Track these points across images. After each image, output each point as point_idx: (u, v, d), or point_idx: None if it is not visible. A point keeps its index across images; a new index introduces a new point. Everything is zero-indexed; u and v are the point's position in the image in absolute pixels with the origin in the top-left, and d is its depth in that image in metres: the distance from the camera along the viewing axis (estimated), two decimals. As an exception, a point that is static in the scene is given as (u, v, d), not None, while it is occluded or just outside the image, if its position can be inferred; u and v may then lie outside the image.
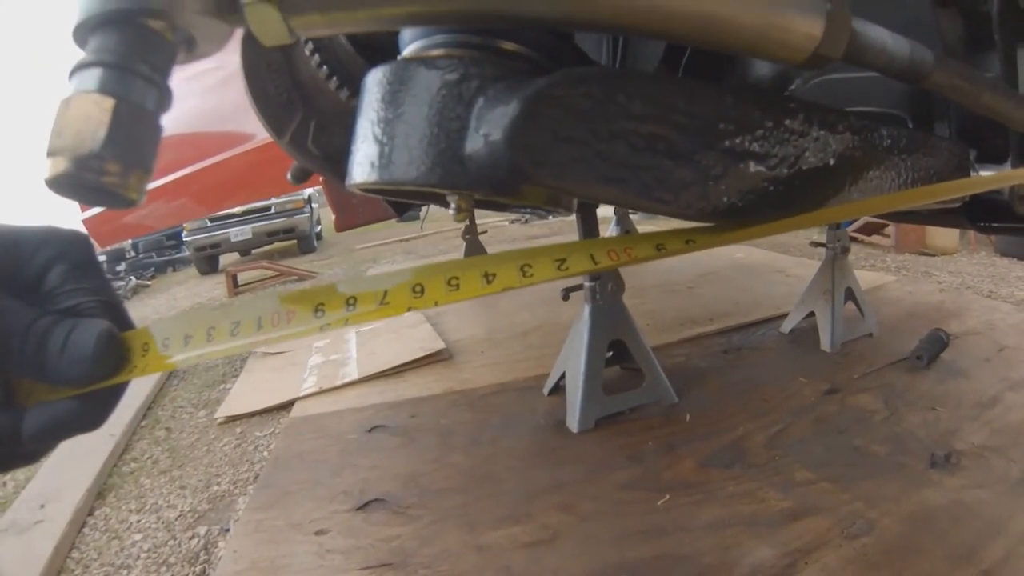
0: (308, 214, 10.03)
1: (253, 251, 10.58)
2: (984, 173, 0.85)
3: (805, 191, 0.54)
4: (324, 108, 0.62)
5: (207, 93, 2.20)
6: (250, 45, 0.62)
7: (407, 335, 3.36)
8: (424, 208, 4.48)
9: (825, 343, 2.68)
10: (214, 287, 7.62)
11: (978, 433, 1.88)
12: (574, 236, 6.75)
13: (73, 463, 2.46)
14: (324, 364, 3.08)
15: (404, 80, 0.42)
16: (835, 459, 1.81)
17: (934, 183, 0.73)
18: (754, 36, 0.41)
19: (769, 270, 4.39)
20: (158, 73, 0.36)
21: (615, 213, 5.32)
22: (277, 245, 10.43)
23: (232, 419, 2.71)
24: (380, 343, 3.29)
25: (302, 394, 2.71)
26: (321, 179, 1.58)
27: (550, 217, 9.47)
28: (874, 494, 1.62)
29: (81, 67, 0.35)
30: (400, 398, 2.55)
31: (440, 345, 3.05)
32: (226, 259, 10.18)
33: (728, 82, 1.02)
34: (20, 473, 2.65)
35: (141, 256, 12.46)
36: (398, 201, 1.60)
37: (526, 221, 9.62)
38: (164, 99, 0.38)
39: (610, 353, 2.23)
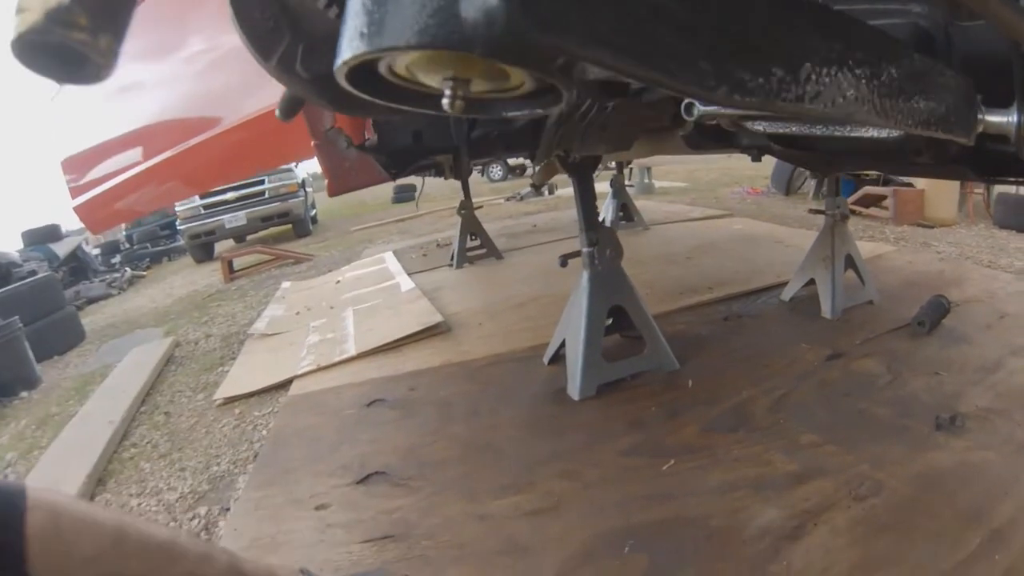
0: (302, 198, 9.96)
1: (248, 237, 10.53)
2: (991, 118, 0.81)
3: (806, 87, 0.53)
4: (311, 31, 0.60)
5: (198, 77, 2.16)
6: None
7: (405, 310, 3.34)
8: (418, 188, 4.45)
9: (826, 310, 2.67)
10: (210, 274, 7.58)
11: (982, 397, 1.86)
12: (568, 212, 6.72)
13: (72, 452, 2.45)
14: (321, 342, 3.06)
15: None
16: (840, 422, 1.80)
17: (944, 112, 0.71)
18: None
19: (768, 240, 4.37)
20: None
21: (611, 186, 5.28)
22: (272, 230, 10.36)
23: (231, 400, 2.68)
24: (378, 320, 3.27)
25: (300, 372, 2.69)
26: (314, 144, 1.54)
27: (546, 193, 9.46)
28: (880, 456, 1.60)
29: None
30: (398, 372, 2.53)
31: (438, 319, 3.04)
32: (221, 246, 10.13)
33: None
34: (20, 464, 2.67)
35: (136, 247, 12.46)
36: (390, 160, 1.57)
37: (521, 199, 9.57)
38: None
39: (610, 321, 2.20)
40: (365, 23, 0.39)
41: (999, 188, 4.89)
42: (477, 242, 4.64)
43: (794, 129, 1.21)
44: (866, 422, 1.79)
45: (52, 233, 11.01)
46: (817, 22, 0.55)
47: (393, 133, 1.62)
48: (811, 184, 6.85)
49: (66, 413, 3.19)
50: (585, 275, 2.13)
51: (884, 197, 5.26)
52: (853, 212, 5.23)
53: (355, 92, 0.48)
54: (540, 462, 1.75)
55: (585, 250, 2.12)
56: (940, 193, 5.04)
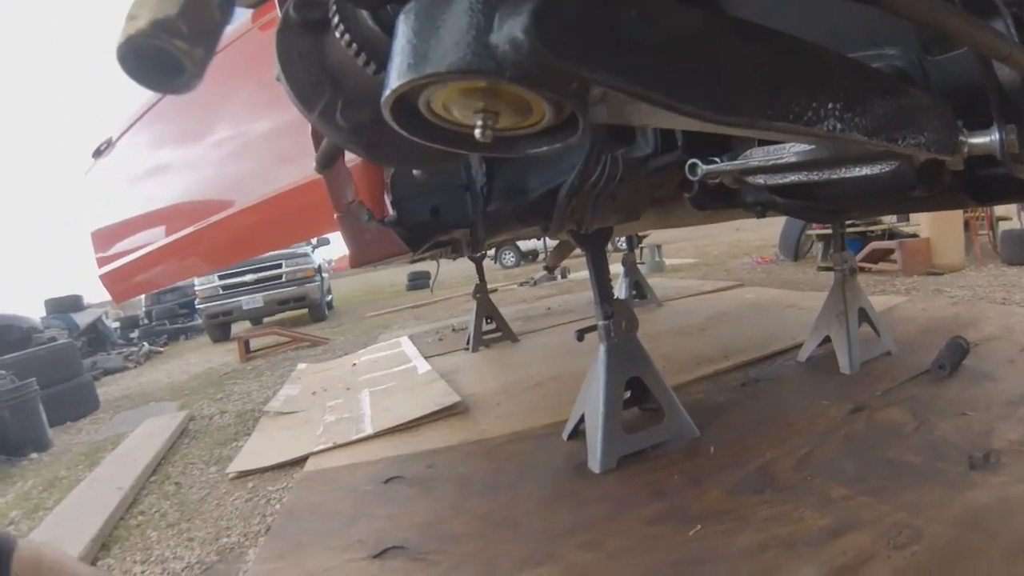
0: (319, 283, 10.09)
1: (264, 319, 10.62)
2: (974, 140, 0.85)
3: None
4: (350, 88, 0.67)
5: (222, 161, 2.29)
6: (285, 38, 0.65)
7: (421, 391, 3.33)
8: (433, 274, 4.57)
9: (844, 365, 2.63)
10: (226, 353, 7.64)
11: (1014, 430, 1.82)
12: (582, 294, 6.78)
13: (78, 515, 2.41)
14: (338, 421, 3.05)
15: (437, 2, 0.47)
16: (870, 473, 1.74)
17: (927, 137, 0.75)
18: None
19: (780, 305, 4.37)
20: None
21: (623, 265, 5.34)
22: (288, 313, 10.46)
23: (244, 474, 2.64)
24: (395, 400, 3.26)
25: (316, 449, 2.66)
26: (337, 217, 1.59)
27: (558, 277, 9.59)
28: (916, 502, 1.54)
29: None
30: (416, 451, 2.49)
31: (455, 399, 3.02)
32: (238, 327, 10.19)
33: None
34: (24, 523, 2.63)
35: (154, 323, 12.56)
36: (413, 234, 1.63)
37: (534, 283, 9.68)
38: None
39: (628, 394, 2.19)
40: (411, 55, 0.46)
41: (1004, 226, 4.91)
42: (492, 325, 4.66)
43: (793, 179, 1.25)
44: (897, 470, 1.73)
45: (74, 303, 11.19)
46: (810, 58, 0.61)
47: (412, 207, 1.68)
48: (819, 247, 6.90)
49: (74, 477, 3.17)
50: (602, 348, 2.13)
51: (891, 251, 5.28)
52: (862, 269, 5.25)
53: (398, 128, 0.54)
54: (561, 534, 1.69)
55: (601, 323, 2.14)
56: (946, 239, 5.07)
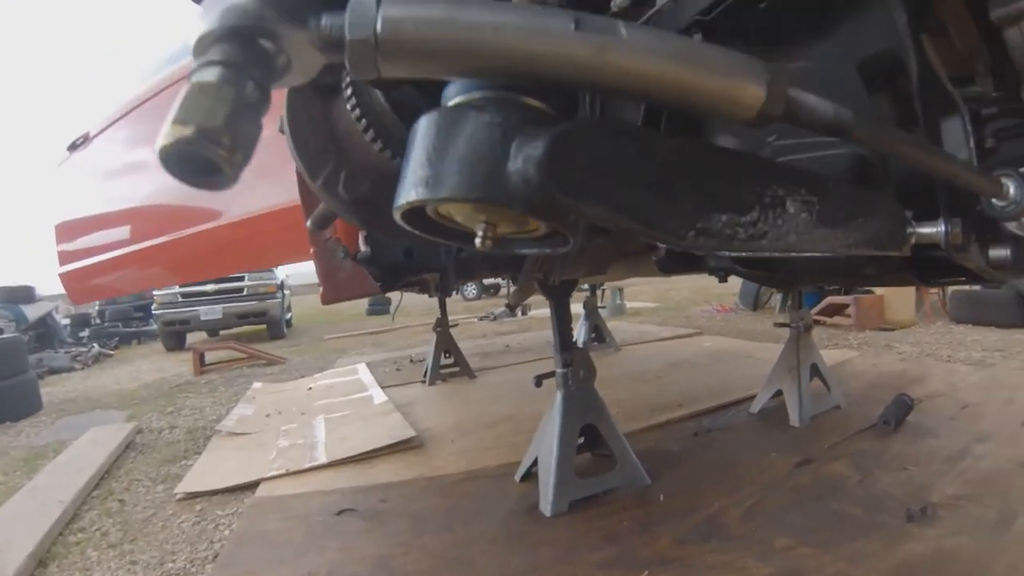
0: (280, 299, 9.93)
1: (221, 332, 10.36)
2: (922, 230, 0.92)
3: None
4: (355, 160, 0.70)
5: None
6: (296, 98, 0.68)
7: (377, 422, 3.31)
8: (395, 302, 4.57)
9: (794, 418, 2.72)
10: (179, 364, 7.41)
11: (951, 485, 1.91)
12: (541, 332, 6.81)
13: (15, 528, 2.29)
14: (292, 447, 3.00)
15: (456, 120, 0.53)
16: (813, 525, 1.79)
17: (878, 233, 0.85)
18: (714, 98, 0.55)
19: (737, 355, 4.46)
20: (264, 81, 0.46)
21: (584, 308, 5.40)
22: (246, 328, 10.21)
23: (193, 496, 2.56)
24: (350, 429, 3.23)
25: (269, 475, 2.61)
26: (312, 252, 1.61)
27: (519, 314, 9.63)
28: (856, 553, 1.60)
29: (207, 64, 0.44)
30: (370, 483, 2.47)
31: (410, 433, 3.01)
32: (193, 337, 9.93)
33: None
34: None
35: (107, 324, 12.11)
36: (382, 273, 1.65)
37: (495, 319, 9.70)
38: (265, 103, 0.46)
39: (581, 439, 2.21)
40: (428, 174, 0.51)
41: (953, 286, 5.15)
42: (451, 360, 4.66)
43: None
44: (839, 522, 1.79)
45: (26, 294, 10.62)
46: (767, 175, 0.70)
47: (386, 248, 1.69)
48: (777, 299, 7.07)
49: (12, 484, 3.01)
50: (559, 395, 2.17)
51: (846, 305, 5.47)
52: (818, 322, 5.42)
53: (405, 226, 0.59)
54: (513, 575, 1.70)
55: (559, 371, 2.18)
56: (898, 297, 5.28)
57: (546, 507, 2.05)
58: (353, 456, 2.76)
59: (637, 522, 1.94)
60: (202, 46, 0.45)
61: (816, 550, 1.64)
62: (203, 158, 0.41)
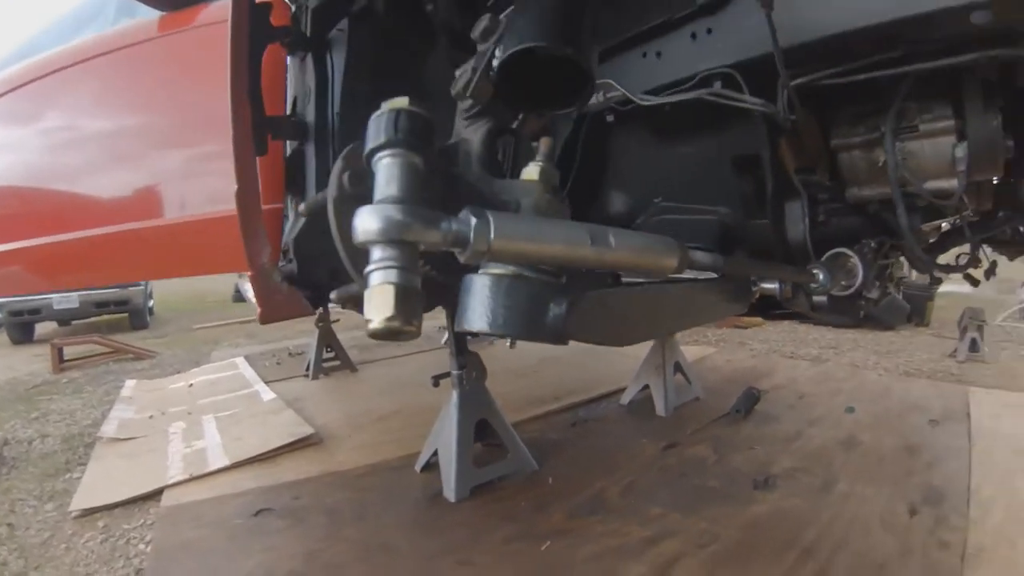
0: (143, 286, 8.75)
1: (74, 322, 8.90)
2: (764, 285, 1.36)
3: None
4: None
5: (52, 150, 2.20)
6: (340, 205, 0.85)
7: (271, 421, 3.31)
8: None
9: (660, 409, 3.09)
10: (32, 360, 6.51)
11: (788, 460, 2.38)
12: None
13: None
14: (189, 451, 2.92)
15: (506, 286, 0.78)
16: (680, 496, 2.15)
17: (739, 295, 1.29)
18: (654, 267, 0.90)
19: (606, 352, 4.76)
20: (416, 271, 0.68)
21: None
22: (105, 318, 8.98)
23: (90, 511, 2.37)
24: (244, 428, 3.20)
25: (171, 482, 2.54)
26: (251, 276, 1.63)
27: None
28: (715, 516, 1.99)
29: (382, 267, 0.64)
30: (278, 482, 2.51)
31: (309, 430, 3.05)
32: (43, 327, 8.65)
33: None
34: None
35: None
36: (313, 294, 1.74)
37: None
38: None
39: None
40: (489, 315, 0.75)
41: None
42: (332, 354, 4.68)
43: None
44: (701, 493, 2.17)
45: None
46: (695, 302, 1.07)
47: (312, 268, 1.74)
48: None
49: None
50: (455, 394, 2.37)
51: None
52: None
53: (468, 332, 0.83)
54: (436, 555, 1.88)
55: (455, 372, 2.38)
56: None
57: (450, 494, 2.24)
58: (256, 456, 2.76)
59: (532, 502, 2.18)
60: (360, 262, 0.68)
61: (683, 515, 2.00)
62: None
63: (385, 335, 0.62)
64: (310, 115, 1.77)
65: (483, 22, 0.83)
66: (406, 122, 0.69)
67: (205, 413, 3.59)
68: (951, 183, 1.13)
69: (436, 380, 2.46)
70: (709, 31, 1.15)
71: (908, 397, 3.22)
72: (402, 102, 0.71)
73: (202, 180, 1.88)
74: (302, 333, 4.92)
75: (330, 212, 0.79)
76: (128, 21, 2.44)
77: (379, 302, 0.62)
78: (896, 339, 5.11)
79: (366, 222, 0.63)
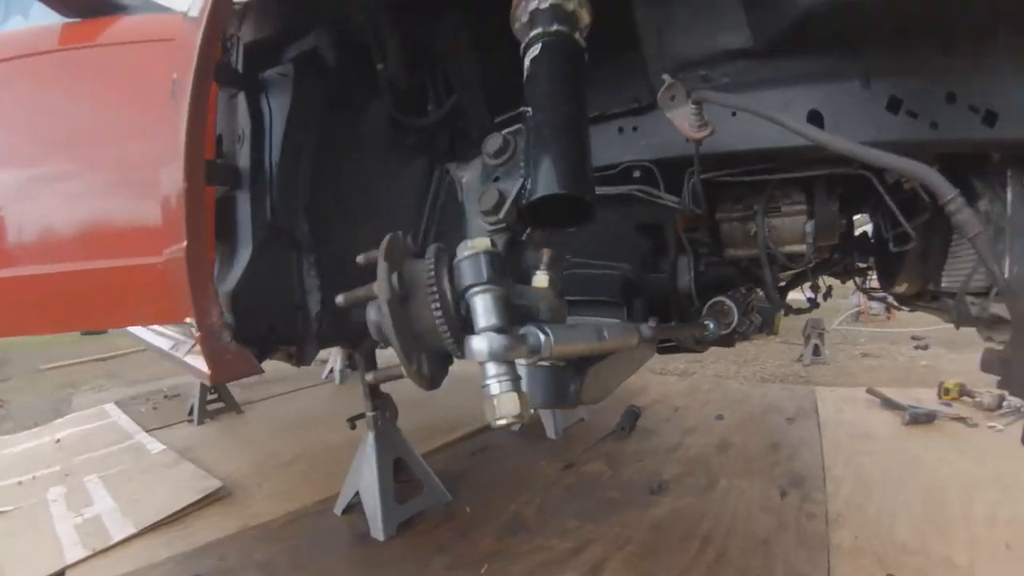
0: None
1: None
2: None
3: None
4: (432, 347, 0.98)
5: None
6: (393, 305, 0.90)
7: (168, 476, 3.12)
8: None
9: (550, 432, 3.38)
10: None
11: (674, 467, 2.78)
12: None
13: None
14: (81, 521, 2.65)
15: (540, 376, 1.13)
16: (588, 509, 2.45)
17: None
18: (623, 346, 1.21)
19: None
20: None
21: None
22: None
23: None
24: (139, 487, 2.98)
25: (72, 561, 2.31)
26: (199, 336, 1.49)
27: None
28: (623, 521, 2.32)
29: (503, 379, 0.83)
30: (197, 544, 2.39)
31: (216, 483, 2.92)
32: None
33: None
34: None
35: None
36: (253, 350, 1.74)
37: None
38: None
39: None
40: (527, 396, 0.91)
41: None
42: (215, 395, 4.41)
43: None
44: (605, 504, 2.48)
45: None
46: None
47: (251, 323, 1.63)
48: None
49: None
50: (371, 435, 2.48)
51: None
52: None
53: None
54: (385, 592, 2.01)
55: (370, 414, 2.50)
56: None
57: (379, 533, 2.34)
58: (164, 519, 2.59)
59: (457, 532, 2.37)
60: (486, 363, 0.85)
61: (596, 525, 2.30)
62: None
63: (505, 427, 0.83)
64: (242, 160, 1.63)
65: (496, 141, 1.03)
66: (494, 262, 0.88)
67: (86, 473, 3.24)
68: (802, 248, 1.52)
69: (352, 422, 2.56)
70: (635, 128, 1.40)
71: (766, 400, 3.85)
72: (485, 243, 0.89)
73: (112, 222, 1.76)
74: (170, 372, 4.58)
75: (384, 311, 0.87)
76: (19, 22, 2.32)
77: (510, 405, 0.82)
78: (751, 348, 5.84)
79: (483, 347, 0.84)
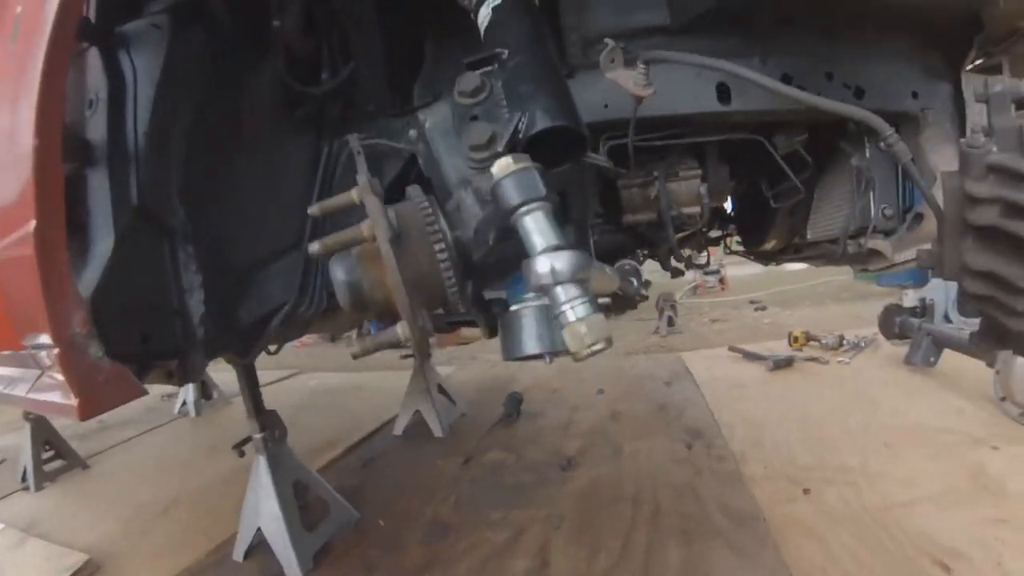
0: None
1: None
2: None
3: None
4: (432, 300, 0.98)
5: None
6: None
7: (17, 562, 2.61)
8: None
9: (436, 430, 3.34)
10: None
11: (574, 442, 2.89)
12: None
13: None
14: None
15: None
16: (507, 497, 2.46)
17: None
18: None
19: (347, 389, 4.86)
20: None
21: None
22: None
23: None
24: None
25: None
26: (58, 353, 1.04)
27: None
28: (547, 499, 2.37)
29: (579, 303, 0.84)
30: None
31: (82, 556, 2.48)
32: None
33: None
34: None
35: None
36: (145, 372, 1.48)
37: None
38: None
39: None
40: (535, 340, 1.12)
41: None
42: (51, 452, 3.65)
43: None
44: (522, 489, 2.51)
45: None
46: None
47: (119, 333, 1.28)
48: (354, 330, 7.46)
49: None
50: (262, 460, 2.22)
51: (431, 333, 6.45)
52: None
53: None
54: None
55: (257, 436, 2.24)
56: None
57: (295, 571, 2.10)
58: None
59: (380, 548, 2.23)
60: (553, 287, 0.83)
61: (522, 509, 2.31)
62: None
63: (594, 354, 0.79)
64: (96, 131, 1.29)
65: (473, 80, 1.04)
66: (543, 178, 0.85)
67: (-94, 567, 2.60)
68: (697, 209, 1.66)
69: (241, 450, 2.29)
70: None
71: (638, 371, 4.16)
72: (525, 158, 0.86)
73: None
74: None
75: (387, 254, 0.82)
76: None
77: (601, 327, 0.80)
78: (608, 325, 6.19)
79: (557, 267, 0.80)
